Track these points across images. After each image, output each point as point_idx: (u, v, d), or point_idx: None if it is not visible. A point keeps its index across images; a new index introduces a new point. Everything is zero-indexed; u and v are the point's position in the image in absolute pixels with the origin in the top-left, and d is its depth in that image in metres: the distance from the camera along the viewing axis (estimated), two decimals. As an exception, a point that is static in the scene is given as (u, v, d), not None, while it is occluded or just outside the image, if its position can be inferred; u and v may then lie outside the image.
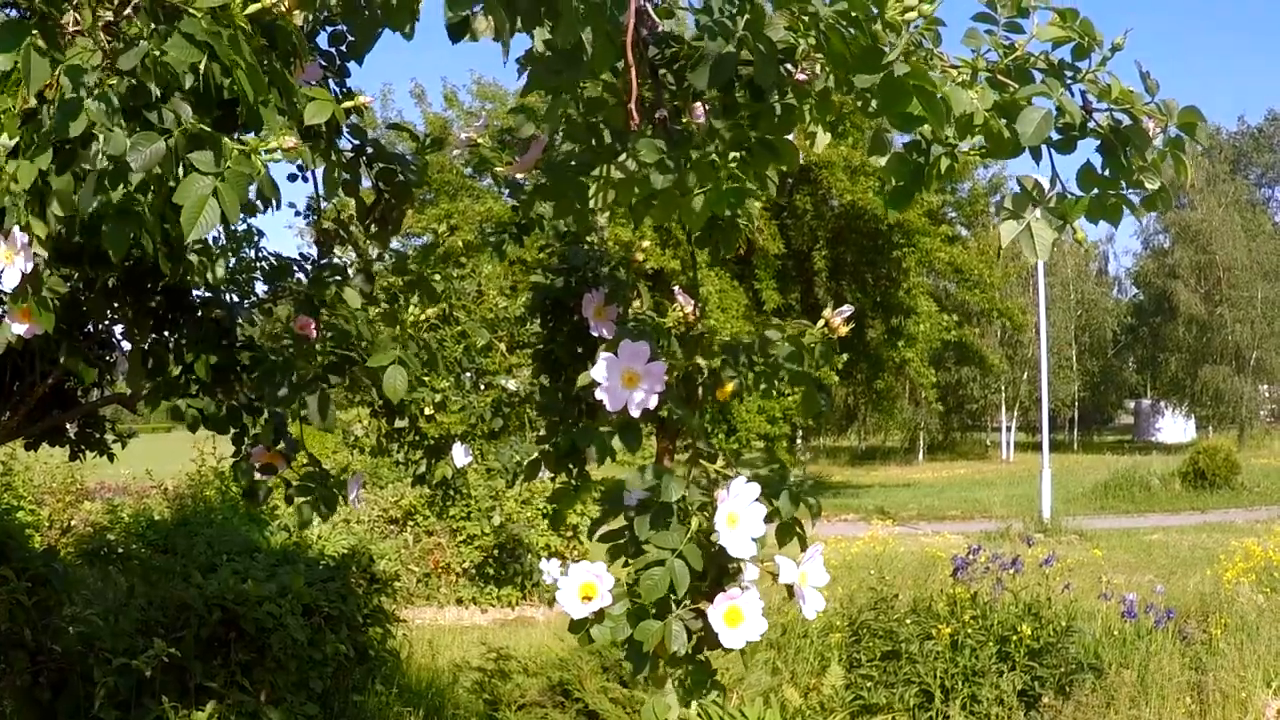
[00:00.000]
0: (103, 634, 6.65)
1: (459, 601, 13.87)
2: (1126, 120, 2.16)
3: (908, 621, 8.34)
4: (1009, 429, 49.65)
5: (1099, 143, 2.18)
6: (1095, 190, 2.20)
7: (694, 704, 2.54)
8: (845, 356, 24.90)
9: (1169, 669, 8.11)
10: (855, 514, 24.55)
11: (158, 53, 1.73)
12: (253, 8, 1.83)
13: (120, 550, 11.07)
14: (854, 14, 2.00)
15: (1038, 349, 32.00)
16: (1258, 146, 61.97)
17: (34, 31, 1.66)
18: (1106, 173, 2.20)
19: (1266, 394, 52.87)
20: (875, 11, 2.04)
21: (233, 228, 4.52)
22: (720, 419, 20.35)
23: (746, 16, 2.14)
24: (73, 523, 12.74)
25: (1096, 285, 58.05)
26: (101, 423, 5.19)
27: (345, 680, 7.86)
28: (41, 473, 13.03)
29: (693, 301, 2.57)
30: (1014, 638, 7.96)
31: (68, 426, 5.03)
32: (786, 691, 7.82)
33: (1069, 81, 2.16)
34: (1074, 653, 8.13)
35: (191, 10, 1.73)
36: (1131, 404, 59.52)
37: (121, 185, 1.74)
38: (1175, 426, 52.25)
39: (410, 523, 14.37)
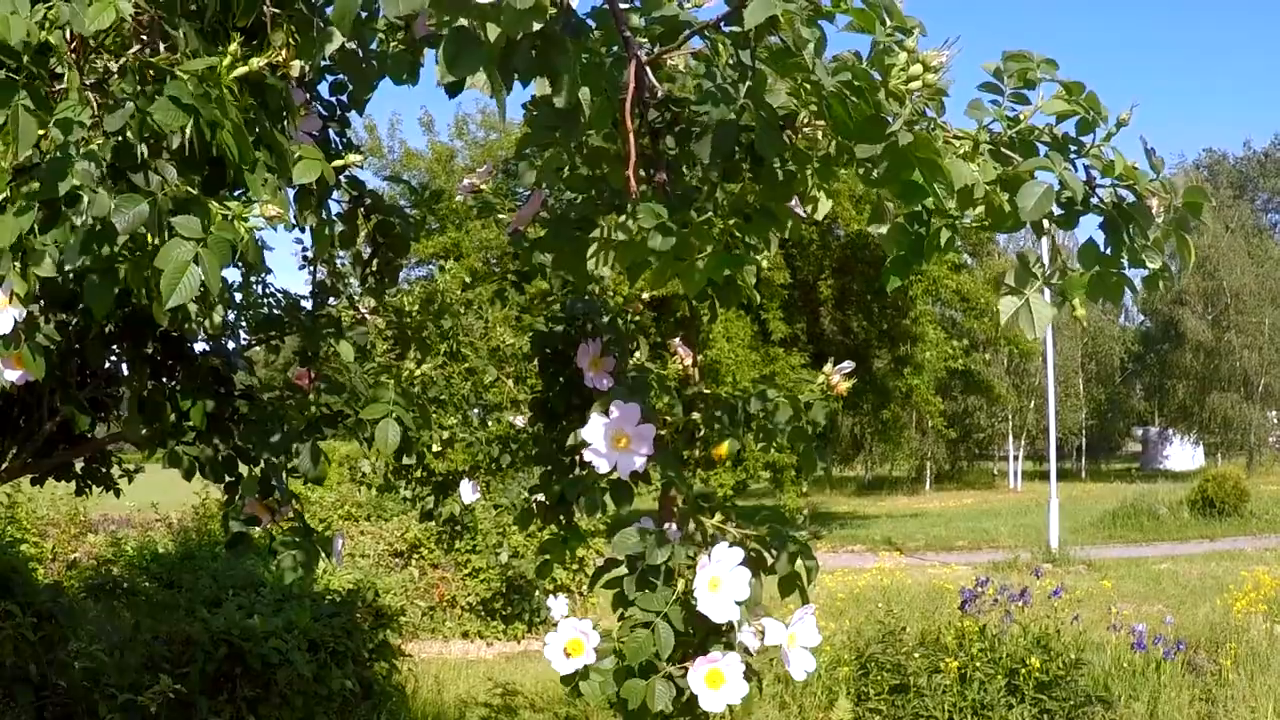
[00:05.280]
0: (108, 669, 6.64)
1: (465, 635, 13.80)
2: (1130, 197, 2.10)
3: (916, 654, 8.30)
4: (1016, 458, 49.43)
5: (1102, 219, 2.13)
6: (1096, 267, 2.15)
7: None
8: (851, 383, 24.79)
9: (1179, 701, 8.07)
10: (862, 544, 24.41)
11: (144, 115, 1.72)
12: (239, 70, 1.83)
13: (125, 584, 11.05)
14: (857, 83, 1.96)
15: (1045, 377, 31.93)
16: (1263, 171, 61.83)
17: (22, 91, 1.67)
18: (1109, 250, 2.14)
19: (1275, 420, 52.54)
20: (879, 77, 2.00)
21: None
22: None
23: (748, 83, 2.09)
24: (77, 556, 12.70)
25: (1103, 312, 57.88)
26: (108, 458, 5.18)
27: (351, 716, 7.83)
28: (45, 505, 12.99)
29: (692, 354, 2.55)
30: (1023, 670, 7.91)
31: (75, 463, 5.03)
32: (793, 726, 7.78)
33: (1073, 156, 2.11)
34: (1083, 685, 8.08)
35: (178, 73, 1.73)
36: (1139, 431, 59.23)
37: (106, 245, 1.74)
38: (1183, 454, 51.96)
39: (415, 556, 14.32)
